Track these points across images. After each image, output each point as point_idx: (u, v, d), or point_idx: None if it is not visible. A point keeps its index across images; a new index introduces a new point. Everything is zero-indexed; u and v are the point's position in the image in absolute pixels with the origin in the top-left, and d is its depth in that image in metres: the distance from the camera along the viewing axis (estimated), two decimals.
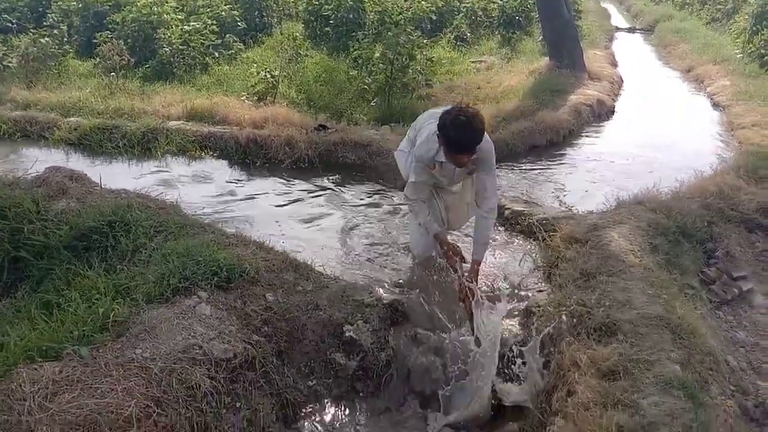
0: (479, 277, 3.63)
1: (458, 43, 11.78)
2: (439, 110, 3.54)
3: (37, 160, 5.64)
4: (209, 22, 10.71)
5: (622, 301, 3.16)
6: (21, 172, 4.94)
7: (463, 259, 3.61)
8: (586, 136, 7.80)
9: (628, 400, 2.52)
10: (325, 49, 10.83)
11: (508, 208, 4.79)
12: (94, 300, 3.04)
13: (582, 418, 2.50)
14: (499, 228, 4.76)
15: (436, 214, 3.93)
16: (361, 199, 5.66)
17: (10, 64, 9.70)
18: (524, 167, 6.53)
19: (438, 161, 3.49)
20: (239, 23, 11.67)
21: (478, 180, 3.62)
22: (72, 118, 7.75)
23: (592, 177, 6.24)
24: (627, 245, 3.77)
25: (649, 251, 3.79)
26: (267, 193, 5.91)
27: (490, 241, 3.82)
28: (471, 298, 3.34)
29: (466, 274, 3.49)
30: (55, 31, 10.51)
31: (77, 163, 6.57)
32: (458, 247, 3.69)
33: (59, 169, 4.82)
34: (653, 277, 3.40)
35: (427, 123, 3.61)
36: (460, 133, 3.16)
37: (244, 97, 8.29)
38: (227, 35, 10.94)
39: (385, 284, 3.99)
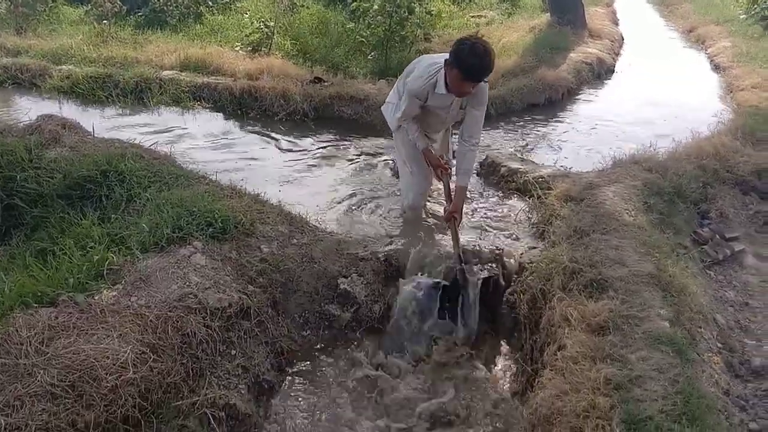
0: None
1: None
2: (433, 56, 3.78)
3: (29, 108, 5.57)
4: None
5: (614, 258, 3.18)
6: (13, 120, 4.89)
7: (449, 174, 3.84)
8: (586, 95, 7.74)
9: (616, 354, 2.55)
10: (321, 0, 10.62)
11: (504, 166, 4.78)
12: (88, 248, 3.04)
13: (571, 370, 2.54)
14: (495, 184, 4.76)
15: (425, 140, 3.97)
16: (357, 154, 5.63)
17: None
18: (522, 125, 6.49)
19: (438, 93, 3.58)
20: None
21: (469, 114, 3.77)
22: (64, 66, 7.61)
23: (589, 136, 6.21)
24: (621, 204, 3.78)
25: (644, 210, 3.80)
26: (261, 145, 5.87)
27: (474, 171, 4.02)
28: (457, 218, 3.64)
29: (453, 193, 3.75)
30: None
31: (70, 111, 6.47)
32: (447, 162, 3.87)
33: (52, 117, 4.77)
34: (646, 236, 3.42)
35: (422, 62, 3.75)
36: (480, 60, 3.28)
37: (239, 48, 8.15)
38: None
39: (379, 238, 4.00)
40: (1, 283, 2.82)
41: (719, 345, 3.01)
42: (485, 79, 3.52)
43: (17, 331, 2.43)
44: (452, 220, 3.65)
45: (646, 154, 4.64)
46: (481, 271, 3.60)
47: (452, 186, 3.85)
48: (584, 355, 2.60)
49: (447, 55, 3.46)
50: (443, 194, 3.96)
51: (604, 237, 3.38)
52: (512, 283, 3.55)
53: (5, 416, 2.13)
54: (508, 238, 3.98)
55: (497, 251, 3.69)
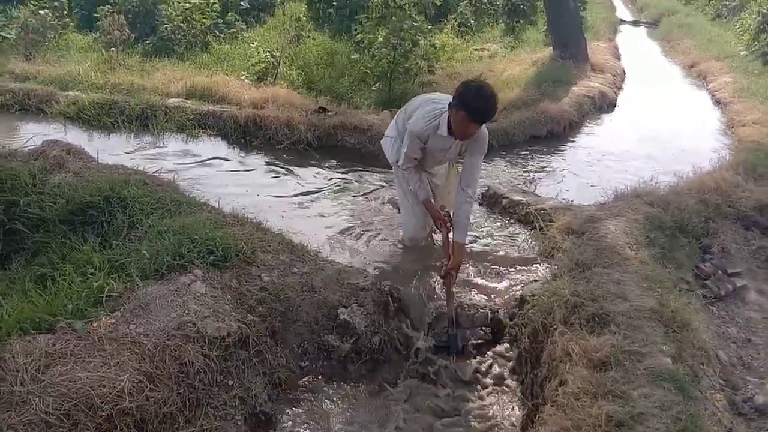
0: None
1: (462, 30, 11.70)
2: (433, 95, 3.83)
3: (35, 134, 5.61)
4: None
5: (616, 293, 3.16)
6: (18, 144, 4.92)
7: (449, 228, 3.77)
8: (588, 128, 7.78)
9: (618, 390, 2.53)
10: (327, 31, 10.76)
11: (506, 197, 4.79)
12: (88, 274, 3.04)
13: (572, 407, 2.52)
14: (496, 216, 4.77)
15: (427, 189, 3.99)
16: (360, 183, 5.65)
17: (9, 36, 9.59)
18: (524, 157, 6.52)
19: (440, 134, 3.60)
20: (242, 2, 11.57)
21: (468, 161, 3.76)
22: (71, 92, 7.69)
23: (591, 169, 6.24)
24: (623, 238, 3.78)
25: (645, 244, 3.80)
26: (265, 174, 5.89)
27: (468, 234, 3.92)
28: (453, 276, 3.62)
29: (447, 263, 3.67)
30: (56, 3, 10.41)
31: (75, 137, 6.51)
32: (448, 214, 3.82)
33: (57, 142, 4.79)
34: (648, 271, 3.41)
35: (426, 103, 3.75)
36: (486, 103, 3.32)
37: (245, 77, 8.24)
38: (229, 13, 10.86)
39: (380, 269, 4.00)
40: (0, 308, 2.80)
41: (722, 382, 2.98)
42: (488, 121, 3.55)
43: (14, 357, 2.41)
44: (448, 277, 3.61)
45: (648, 187, 4.65)
46: (472, 336, 3.60)
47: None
48: (586, 391, 2.57)
49: (448, 97, 3.53)
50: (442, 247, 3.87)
51: (606, 271, 3.37)
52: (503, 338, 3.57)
53: None
54: (508, 270, 3.96)
55: (492, 313, 3.65)
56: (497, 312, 3.65)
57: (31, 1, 10.19)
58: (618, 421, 2.36)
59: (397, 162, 3.95)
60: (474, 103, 3.31)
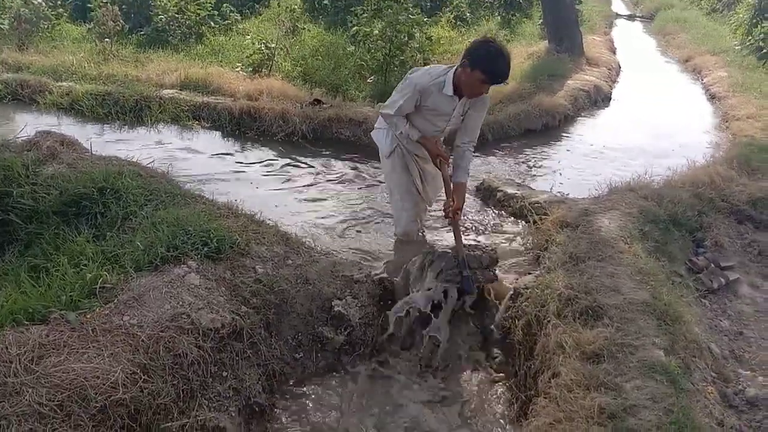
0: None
1: (458, 22, 11.69)
2: (433, 67, 3.71)
3: (28, 124, 5.58)
4: None
5: (609, 286, 3.17)
6: (11, 135, 4.89)
7: (448, 164, 3.79)
8: (583, 122, 7.80)
9: (611, 383, 2.54)
10: (323, 23, 10.73)
11: (501, 191, 4.80)
12: (82, 266, 3.02)
13: (565, 399, 2.53)
14: (491, 209, 4.78)
15: (415, 179, 3.99)
16: (355, 176, 5.65)
17: (1, 26, 9.51)
18: (518, 150, 6.52)
19: (445, 94, 3.55)
20: None
21: (470, 117, 3.74)
22: (64, 83, 7.65)
23: (585, 162, 6.25)
24: (617, 231, 3.79)
25: (639, 238, 3.81)
26: (259, 165, 5.88)
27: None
28: (459, 215, 3.70)
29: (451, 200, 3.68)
30: None
31: (68, 128, 6.48)
32: (446, 152, 3.82)
33: (50, 133, 4.76)
34: (641, 264, 3.42)
35: (421, 68, 3.72)
36: (506, 65, 3.35)
37: (239, 69, 8.22)
38: (224, 5, 10.82)
39: (373, 261, 4.00)
40: None
41: (713, 375, 2.99)
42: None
43: (7, 348, 2.40)
44: (455, 217, 3.63)
45: (642, 181, 4.66)
46: (483, 277, 3.56)
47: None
48: (578, 383, 2.58)
49: (441, 66, 3.59)
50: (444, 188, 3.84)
51: (600, 264, 3.38)
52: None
53: None
54: (502, 263, 3.97)
55: (494, 253, 3.65)
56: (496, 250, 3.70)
57: None
58: (610, 413, 2.38)
59: (388, 153, 3.93)
60: (493, 64, 3.31)
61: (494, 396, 3.15)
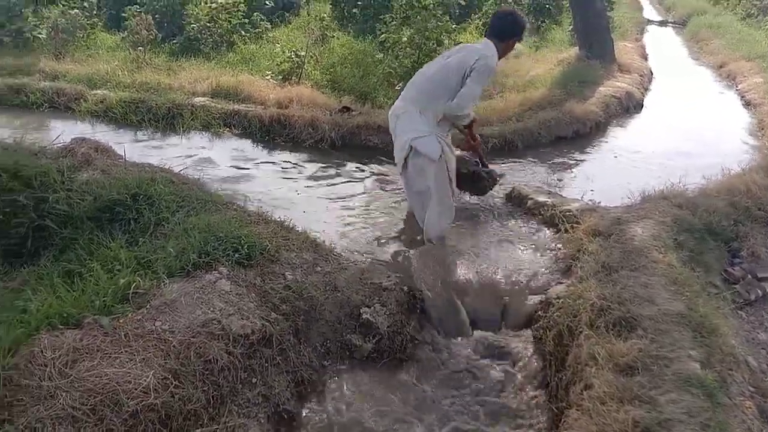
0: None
1: (487, 29, 11.62)
2: (478, 46, 4.21)
3: (64, 131, 5.70)
4: None
5: (643, 296, 3.11)
6: (48, 142, 4.99)
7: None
8: (614, 129, 7.69)
9: (645, 396, 2.49)
10: (351, 31, 10.77)
11: (531, 198, 4.74)
12: (115, 271, 3.07)
13: (598, 411, 2.48)
14: (521, 217, 4.73)
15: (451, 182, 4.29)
16: (382, 183, 5.65)
17: (39, 35, 9.77)
18: (549, 158, 6.46)
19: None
20: (267, 2, 11.64)
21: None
22: (99, 91, 7.81)
23: (617, 170, 6.16)
24: (651, 240, 3.72)
25: (673, 247, 3.73)
26: (288, 172, 5.92)
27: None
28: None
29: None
30: (85, 4, 10.59)
31: (102, 135, 6.61)
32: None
33: (85, 140, 4.85)
34: (676, 274, 3.35)
35: (462, 50, 4.22)
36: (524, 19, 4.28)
37: (269, 77, 8.29)
38: (254, 13, 10.93)
39: (402, 268, 3.99)
40: (28, 303, 2.84)
41: (751, 389, 2.91)
42: None
43: (42, 352, 2.44)
44: (478, 148, 4.65)
45: (676, 190, 4.57)
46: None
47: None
48: (612, 395, 2.54)
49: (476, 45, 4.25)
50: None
51: (633, 274, 3.32)
52: None
53: None
54: (533, 273, 3.93)
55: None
56: None
57: (62, 2, 10.37)
58: (645, 427, 2.33)
59: (438, 155, 4.09)
60: (523, 22, 4.23)
61: (525, 406, 3.10)
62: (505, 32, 4.13)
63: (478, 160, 4.77)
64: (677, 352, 2.71)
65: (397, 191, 5.39)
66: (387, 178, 5.76)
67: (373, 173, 5.91)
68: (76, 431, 2.21)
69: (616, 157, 6.62)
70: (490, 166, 4.90)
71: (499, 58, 4.13)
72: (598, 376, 2.67)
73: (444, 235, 4.26)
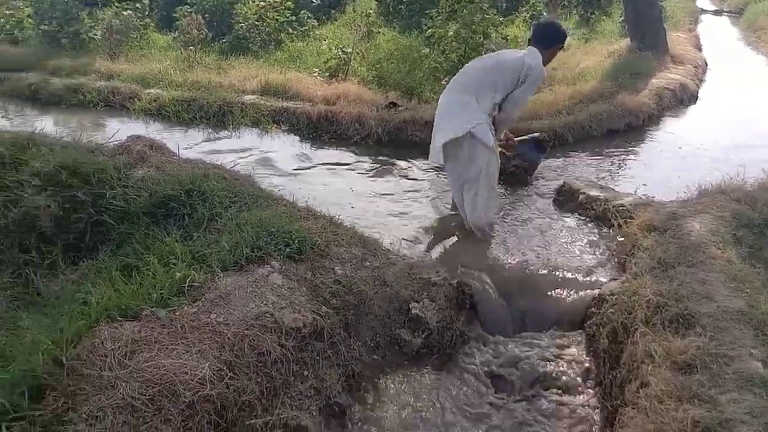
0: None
1: (534, 22, 11.46)
2: (523, 52, 4.37)
3: (119, 129, 5.87)
4: None
5: (701, 293, 3.02)
6: (104, 139, 5.14)
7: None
8: (668, 122, 7.49)
9: (705, 395, 2.42)
10: (397, 26, 10.76)
11: (583, 193, 4.66)
12: (171, 265, 3.14)
13: (655, 410, 2.42)
14: (572, 212, 4.66)
15: None
16: (430, 178, 5.63)
17: (95, 36, 10.08)
18: (600, 151, 6.33)
19: None
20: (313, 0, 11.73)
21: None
22: (152, 90, 8.02)
23: (672, 164, 5.99)
24: (708, 236, 3.60)
25: (732, 243, 3.60)
26: (336, 169, 5.96)
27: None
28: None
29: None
30: (138, 5, 10.85)
31: (156, 132, 6.79)
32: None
33: (140, 138, 4.97)
34: (735, 270, 3.23)
35: (507, 56, 4.42)
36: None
37: (317, 73, 8.35)
38: (301, 11, 11.02)
39: (451, 263, 3.97)
40: (88, 296, 2.94)
41: None
42: None
43: (102, 343, 2.51)
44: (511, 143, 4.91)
45: (734, 183, 4.40)
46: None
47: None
48: (669, 394, 2.47)
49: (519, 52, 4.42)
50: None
51: (690, 270, 3.23)
52: None
53: (89, 426, 2.20)
54: (586, 268, 3.86)
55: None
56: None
57: (115, 3, 10.66)
58: (705, 427, 2.26)
59: (492, 144, 4.22)
60: (563, 30, 4.50)
61: (578, 405, 3.05)
62: (549, 40, 4.36)
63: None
64: (738, 351, 2.62)
65: (444, 185, 5.37)
66: (433, 173, 5.74)
67: (419, 168, 5.89)
68: (135, 420, 2.26)
69: (680, 148, 6.44)
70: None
71: (543, 65, 4.32)
72: (655, 374, 2.61)
73: (492, 222, 4.34)
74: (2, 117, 7.95)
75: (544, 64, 4.31)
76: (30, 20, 10.67)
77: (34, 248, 3.85)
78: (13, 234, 3.89)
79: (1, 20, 10.65)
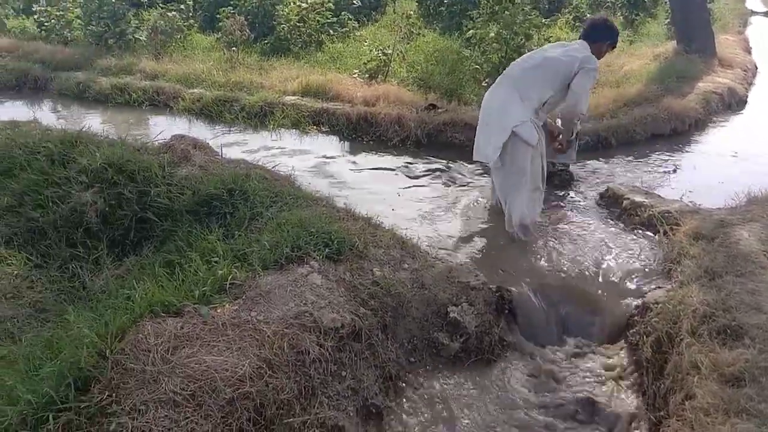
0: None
1: (577, 24, 11.30)
2: (576, 46, 4.40)
3: (163, 128, 5.98)
4: None
5: (750, 304, 2.93)
6: (149, 138, 5.24)
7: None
8: (715, 127, 7.29)
9: (754, 409, 2.34)
10: (438, 28, 10.73)
11: (627, 198, 4.56)
12: (213, 262, 3.18)
13: (701, 423, 2.36)
14: (617, 218, 4.57)
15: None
16: (470, 180, 5.59)
17: (140, 37, 10.30)
18: (646, 156, 6.20)
19: None
20: (354, 1, 11.76)
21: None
22: (195, 90, 8.15)
23: (719, 170, 5.82)
24: (758, 245, 3.49)
25: None
26: (375, 170, 5.96)
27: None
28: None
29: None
30: (182, 6, 11.06)
31: (199, 131, 6.90)
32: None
33: (184, 137, 5.06)
34: None
35: (558, 49, 4.42)
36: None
37: (357, 75, 8.37)
38: (342, 13, 11.07)
39: (490, 267, 3.94)
40: (132, 291, 2.99)
41: None
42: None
43: (146, 338, 2.56)
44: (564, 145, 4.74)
45: None
46: None
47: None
48: (716, 407, 2.40)
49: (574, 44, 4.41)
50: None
51: (739, 279, 3.13)
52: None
53: (132, 419, 2.25)
54: (630, 276, 3.79)
55: None
56: None
57: (160, 5, 10.88)
58: None
59: (536, 141, 4.21)
60: (615, 27, 4.51)
61: (620, 415, 2.98)
62: (597, 35, 4.40)
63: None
64: None
65: (485, 187, 5.33)
66: (472, 174, 5.70)
67: (459, 171, 5.85)
68: (176, 415, 2.29)
69: (717, 155, 6.27)
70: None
71: None
72: (701, 385, 2.54)
73: (535, 221, 4.31)
74: (52, 114, 8.18)
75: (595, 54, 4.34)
76: (79, 21, 10.96)
77: (80, 243, 3.95)
78: (61, 229, 4.00)
79: (53, 21, 10.96)
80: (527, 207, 4.23)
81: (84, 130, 4.91)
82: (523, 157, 4.17)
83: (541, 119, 4.42)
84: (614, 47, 4.53)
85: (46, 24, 11.01)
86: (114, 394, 2.33)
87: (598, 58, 4.35)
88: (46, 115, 8.00)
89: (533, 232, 4.28)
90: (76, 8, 11.11)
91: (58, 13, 11.02)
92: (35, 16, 11.29)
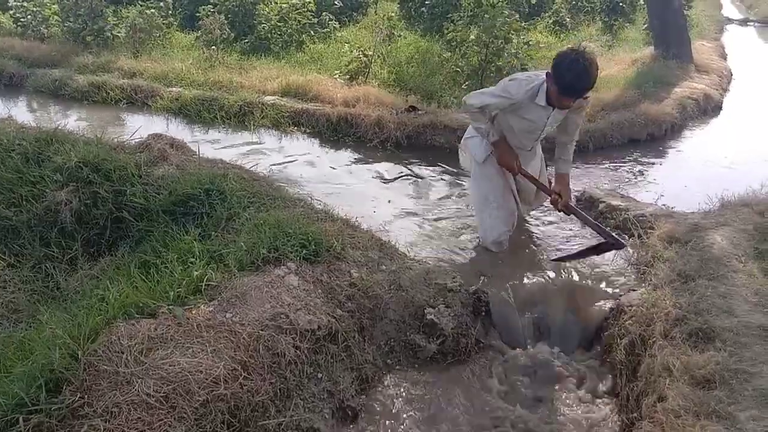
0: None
1: (557, 27, 11.42)
2: (532, 74, 3.68)
3: (140, 127, 5.92)
4: None
5: (722, 307, 2.98)
6: (125, 137, 5.19)
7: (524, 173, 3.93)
8: (690, 132, 7.40)
9: (723, 411, 2.38)
10: (419, 30, 10.75)
11: (603, 202, 4.61)
12: (189, 263, 3.16)
13: (672, 425, 2.39)
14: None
15: (511, 184, 4.06)
16: (448, 183, 5.61)
17: (119, 34, 10.18)
18: (622, 160, 6.27)
19: (537, 104, 3.51)
20: (336, 2, 11.75)
21: (569, 120, 3.77)
22: (174, 88, 8.08)
23: (694, 175, 5.91)
24: (730, 249, 3.55)
25: (755, 257, 3.54)
26: (354, 172, 5.95)
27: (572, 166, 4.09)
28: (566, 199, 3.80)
29: (555, 190, 3.87)
30: (161, 4, 10.95)
31: (177, 131, 6.84)
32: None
33: (161, 136, 5.02)
34: (757, 285, 3.18)
35: (520, 75, 3.73)
36: (577, 79, 3.22)
37: (337, 76, 8.36)
38: (323, 13, 11.05)
39: (468, 270, 3.95)
40: (106, 291, 2.96)
41: None
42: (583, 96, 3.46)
43: (119, 339, 2.54)
44: (568, 208, 3.79)
45: (758, 196, 4.34)
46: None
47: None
48: (687, 409, 2.44)
49: (540, 75, 3.52)
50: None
51: (711, 283, 3.18)
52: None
53: (104, 421, 2.23)
54: (603, 279, 3.83)
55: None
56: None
57: (139, 2, 10.77)
58: None
59: (483, 158, 3.97)
60: (566, 77, 3.22)
61: (593, 415, 3.02)
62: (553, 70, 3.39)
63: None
64: (759, 367, 2.58)
65: (462, 191, 5.35)
66: (450, 177, 5.72)
67: (438, 173, 5.87)
68: (150, 417, 2.28)
69: (692, 160, 6.35)
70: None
71: (549, 98, 3.49)
72: (673, 388, 2.57)
73: (498, 240, 4.11)
74: (27, 112, 8.06)
75: (549, 95, 3.46)
76: (56, 17, 10.81)
77: (54, 243, 3.90)
78: (35, 228, 3.95)
79: (29, 17, 10.79)
80: (488, 226, 4.10)
81: (60, 128, 4.85)
82: (475, 172, 4.12)
83: (489, 132, 3.85)
84: (564, 96, 3.38)
85: (22, 20, 10.83)
86: (86, 396, 2.31)
87: (554, 101, 3.47)
88: (22, 112, 7.87)
89: (498, 248, 4.15)
90: (53, 4, 10.95)
91: (34, 9, 10.85)
92: (11, 12, 11.10)
